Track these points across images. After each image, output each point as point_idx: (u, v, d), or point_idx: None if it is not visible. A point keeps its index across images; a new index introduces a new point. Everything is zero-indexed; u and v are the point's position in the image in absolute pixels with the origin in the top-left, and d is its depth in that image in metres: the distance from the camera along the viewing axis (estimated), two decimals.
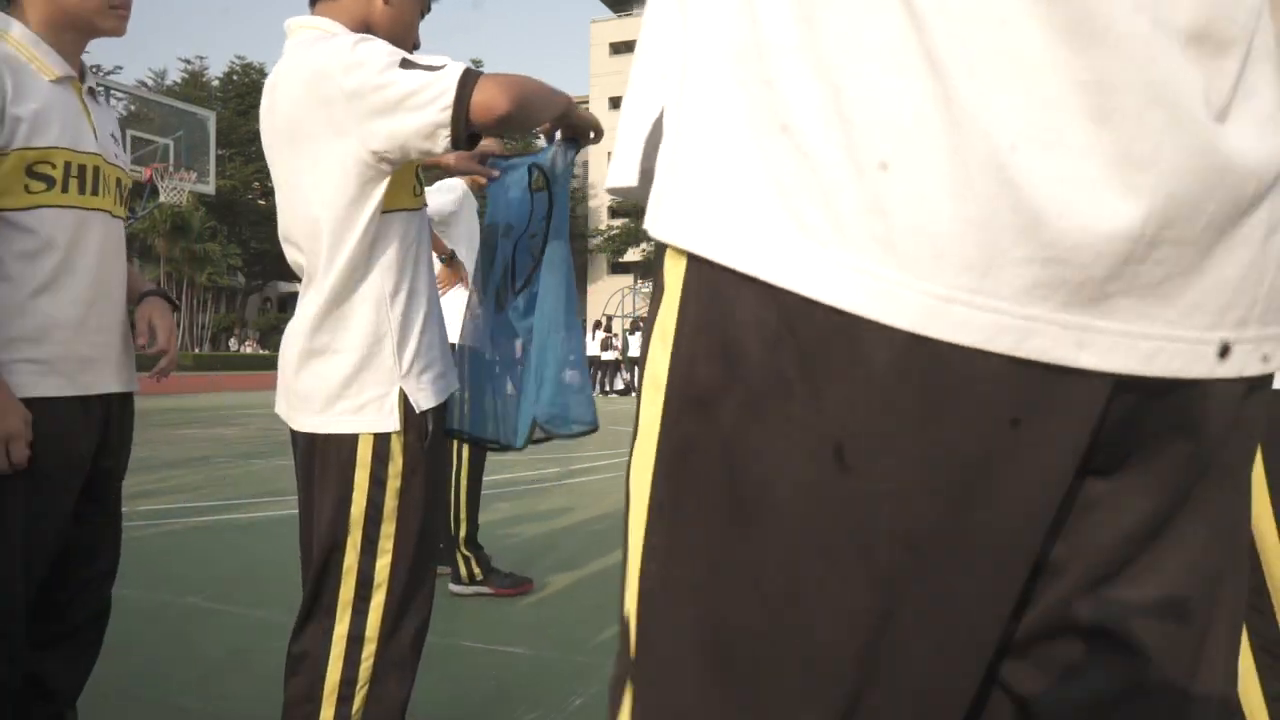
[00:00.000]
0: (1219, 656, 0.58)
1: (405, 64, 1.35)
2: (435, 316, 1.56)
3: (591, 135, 1.67)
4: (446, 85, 1.32)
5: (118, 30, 1.65)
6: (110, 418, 1.68)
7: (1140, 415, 0.52)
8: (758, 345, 0.50)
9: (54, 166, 1.53)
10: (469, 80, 1.34)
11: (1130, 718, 0.57)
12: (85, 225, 1.58)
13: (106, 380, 1.64)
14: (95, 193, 1.60)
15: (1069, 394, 0.49)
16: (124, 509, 1.80)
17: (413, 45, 1.61)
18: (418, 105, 1.33)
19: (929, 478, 0.49)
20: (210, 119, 15.66)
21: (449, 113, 1.32)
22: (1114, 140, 0.46)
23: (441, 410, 1.55)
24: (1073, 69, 0.46)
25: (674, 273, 0.54)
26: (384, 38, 1.49)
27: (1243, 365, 0.53)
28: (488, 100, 1.34)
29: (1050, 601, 0.56)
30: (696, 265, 0.52)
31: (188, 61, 51.67)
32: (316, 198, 1.41)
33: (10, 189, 1.48)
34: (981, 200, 0.46)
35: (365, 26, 1.50)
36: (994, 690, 0.59)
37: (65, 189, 1.55)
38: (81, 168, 1.57)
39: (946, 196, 0.46)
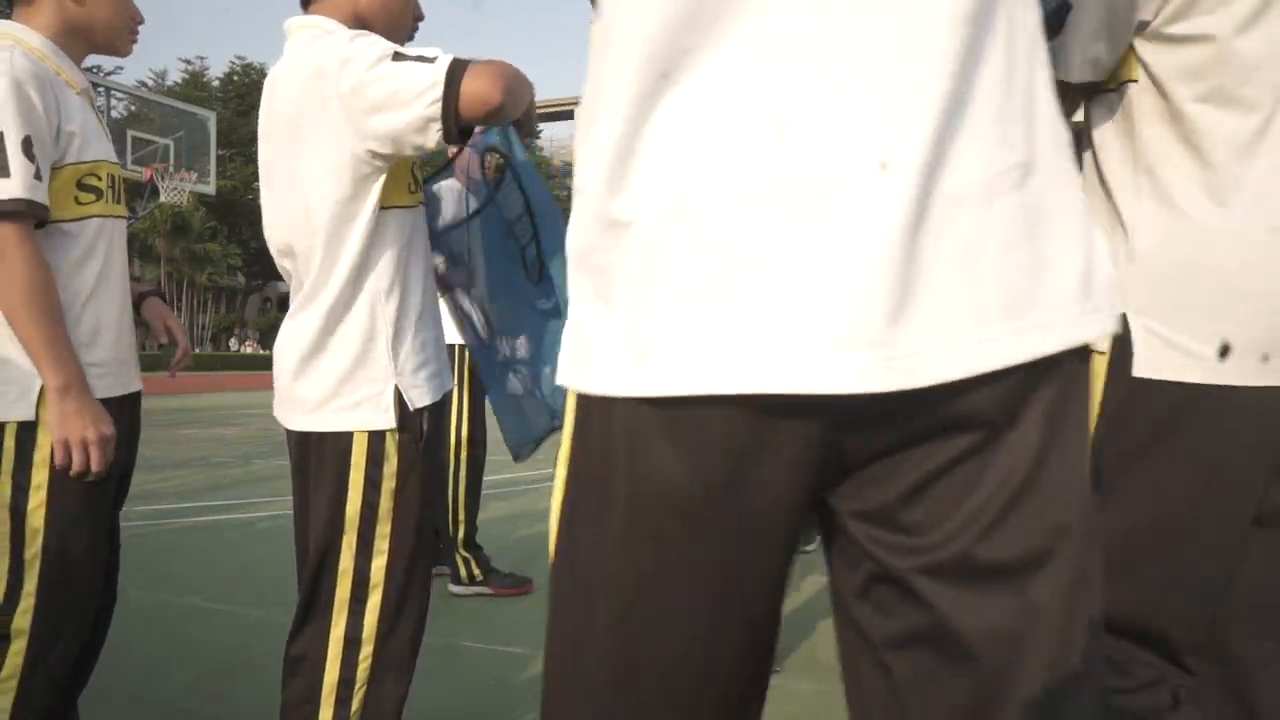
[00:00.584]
0: (1056, 623, 0.67)
1: (397, 57, 1.33)
2: (431, 314, 1.56)
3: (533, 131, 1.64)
4: (436, 78, 1.30)
5: (129, 51, 1.71)
6: (133, 416, 1.73)
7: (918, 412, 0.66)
8: (621, 438, 0.70)
9: (99, 178, 1.59)
10: (458, 71, 1.31)
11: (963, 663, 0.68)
12: (116, 232, 1.66)
13: (134, 379, 1.70)
14: (119, 200, 1.67)
15: (807, 412, 0.65)
16: (123, 509, 1.81)
17: (412, 24, 1.60)
18: (407, 100, 1.31)
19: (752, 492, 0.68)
20: (210, 119, 15.67)
21: (438, 106, 1.30)
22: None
23: (437, 409, 1.55)
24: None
25: (571, 403, 0.76)
26: (377, 25, 1.48)
27: (1002, 356, 0.64)
28: (479, 91, 1.31)
29: (873, 557, 0.71)
30: (581, 399, 0.74)
31: (188, 62, 51.68)
32: (315, 195, 1.41)
33: (61, 202, 1.53)
34: (752, 295, 0.64)
35: (358, 18, 1.49)
36: (863, 646, 0.73)
37: (106, 199, 1.61)
38: (114, 177, 1.64)
39: (744, 307, 0.64)
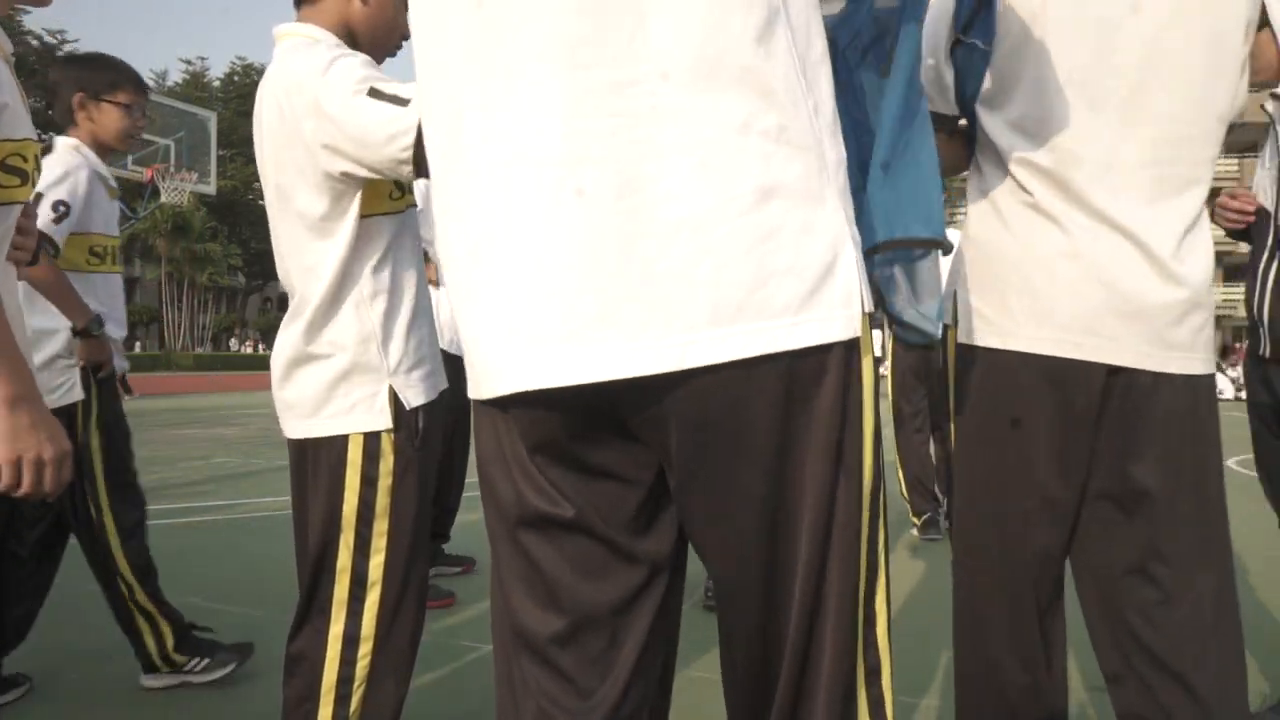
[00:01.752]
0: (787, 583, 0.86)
1: (373, 93, 1.32)
2: (424, 315, 1.56)
3: None
4: (408, 124, 1.28)
5: None
6: None
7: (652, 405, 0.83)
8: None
9: (25, 160, 1.32)
10: None
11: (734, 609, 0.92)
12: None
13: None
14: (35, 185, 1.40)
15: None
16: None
17: (398, 43, 1.60)
18: (379, 143, 1.31)
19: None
20: (211, 119, 15.67)
21: (409, 153, 1.29)
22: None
23: (433, 408, 1.55)
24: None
25: None
26: (364, 37, 1.50)
27: (703, 356, 0.78)
28: None
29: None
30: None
31: (189, 62, 51.63)
32: (297, 210, 1.42)
33: None
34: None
35: (346, 27, 1.50)
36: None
37: (30, 184, 1.36)
38: (39, 160, 1.38)
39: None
